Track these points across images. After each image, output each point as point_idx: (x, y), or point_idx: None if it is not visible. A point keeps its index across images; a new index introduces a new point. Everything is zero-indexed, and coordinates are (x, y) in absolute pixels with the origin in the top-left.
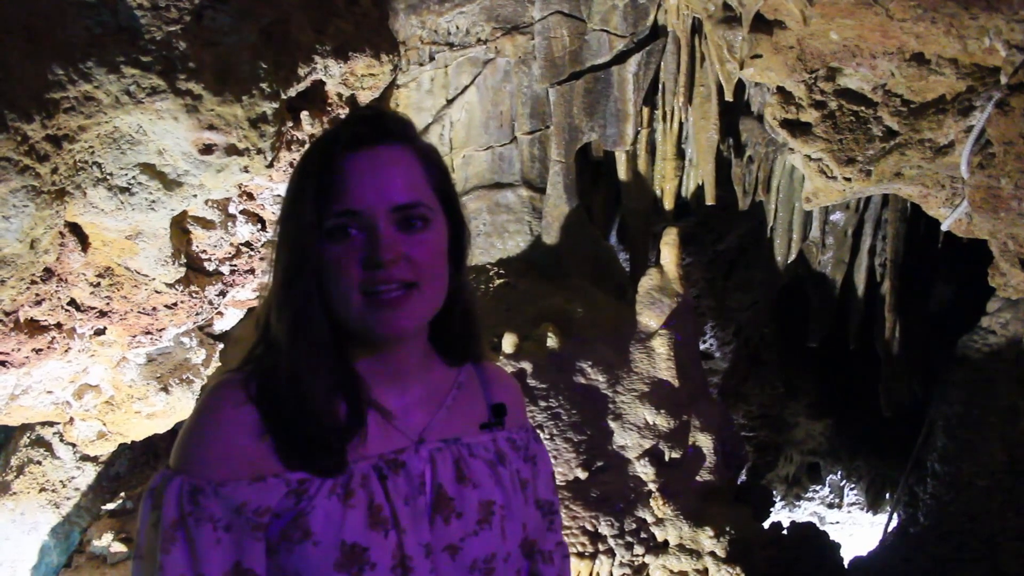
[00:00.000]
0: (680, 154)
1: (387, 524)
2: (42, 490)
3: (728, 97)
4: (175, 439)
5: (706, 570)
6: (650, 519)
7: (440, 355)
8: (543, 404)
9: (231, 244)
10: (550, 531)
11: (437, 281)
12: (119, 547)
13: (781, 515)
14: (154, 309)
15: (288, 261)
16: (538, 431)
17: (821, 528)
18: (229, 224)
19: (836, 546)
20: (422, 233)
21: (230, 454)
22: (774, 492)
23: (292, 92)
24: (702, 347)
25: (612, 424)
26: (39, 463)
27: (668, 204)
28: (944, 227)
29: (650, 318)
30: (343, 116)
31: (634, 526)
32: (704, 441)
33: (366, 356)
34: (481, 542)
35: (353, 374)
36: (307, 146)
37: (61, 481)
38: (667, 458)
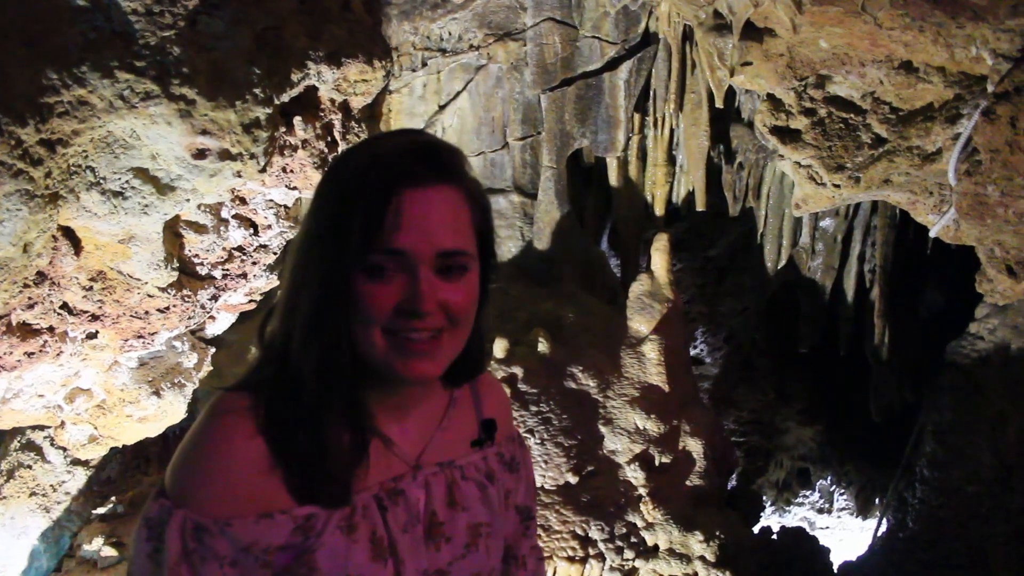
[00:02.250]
0: (671, 160)
1: (386, 554)
2: (32, 494)
3: (719, 104)
4: (167, 448)
5: (696, 574)
6: (640, 523)
7: (440, 378)
8: (534, 409)
9: (224, 249)
10: (525, 536)
11: (467, 326)
12: (109, 551)
13: (771, 520)
14: (146, 313)
15: (320, 292)
16: (528, 436)
17: (811, 533)
18: (222, 229)
19: (825, 551)
20: (460, 279)
21: (237, 491)
22: (764, 497)
23: (285, 97)
24: (693, 352)
25: (603, 429)
26: (29, 467)
27: (659, 210)
28: (932, 234)
29: (641, 323)
30: (335, 124)
31: (624, 530)
32: (694, 446)
33: (375, 387)
34: (468, 564)
35: (361, 406)
36: (345, 164)
37: (51, 485)
38: (657, 463)
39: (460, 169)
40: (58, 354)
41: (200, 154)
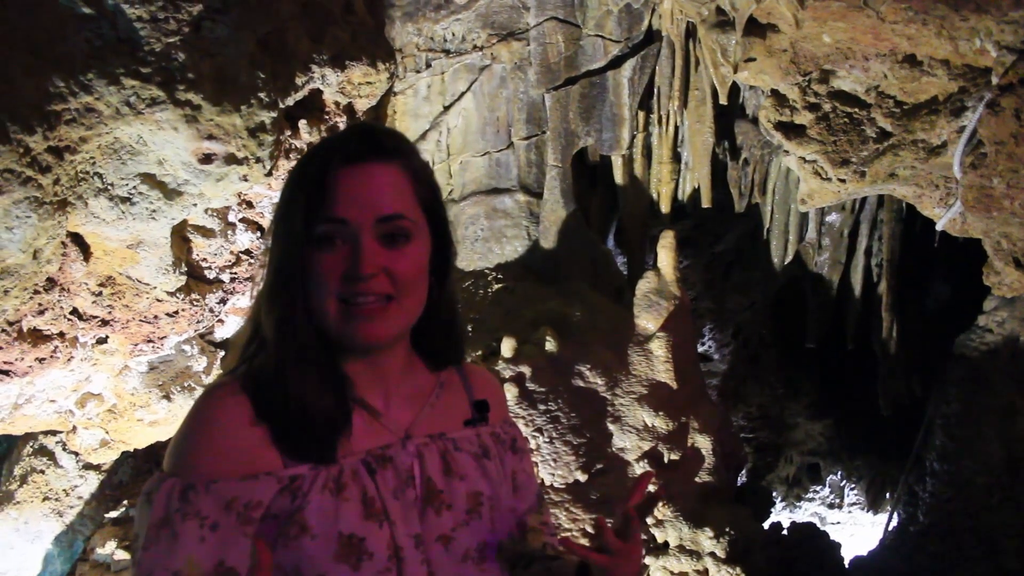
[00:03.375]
0: (676, 157)
1: (380, 516)
2: (45, 499)
3: (723, 100)
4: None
5: (706, 571)
6: (650, 520)
7: (422, 360)
8: (542, 407)
9: (231, 252)
10: (537, 512)
11: (416, 295)
12: (122, 555)
13: (782, 516)
14: (155, 317)
15: (277, 265)
16: (537, 434)
17: (822, 528)
18: (229, 232)
19: (836, 546)
20: (404, 247)
21: (221, 452)
22: (774, 493)
23: (290, 101)
24: (700, 349)
25: (611, 426)
26: (42, 472)
27: (664, 207)
28: (939, 227)
29: (648, 320)
30: (340, 127)
31: None
32: (703, 442)
33: (353, 359)
34: (472, 532)
35: (340, 373)
36: (300, 157)
37: (64, 490)
38: (666, 460)
39: (399, 148)
40: (69, 359)
41: (206, 159)
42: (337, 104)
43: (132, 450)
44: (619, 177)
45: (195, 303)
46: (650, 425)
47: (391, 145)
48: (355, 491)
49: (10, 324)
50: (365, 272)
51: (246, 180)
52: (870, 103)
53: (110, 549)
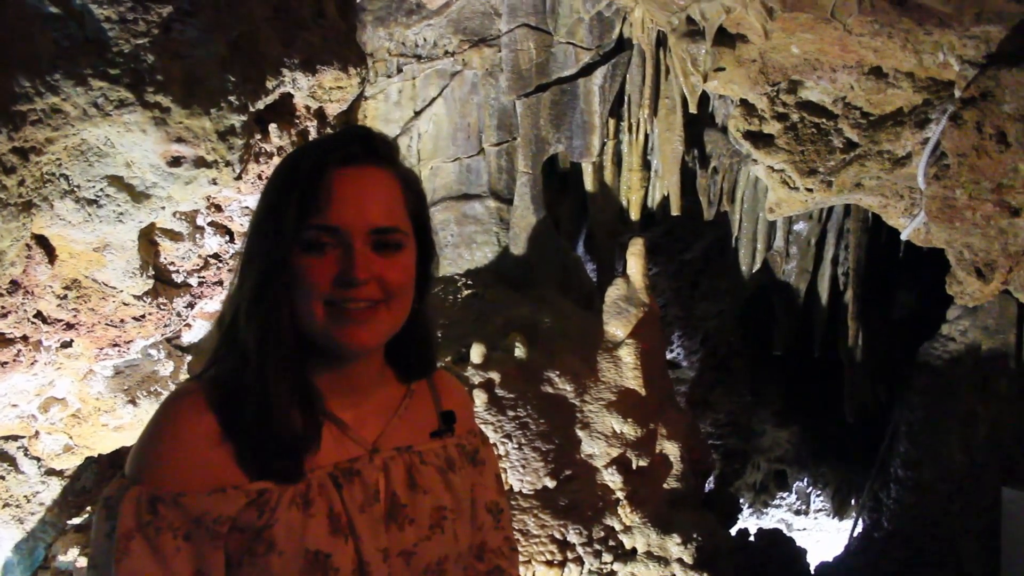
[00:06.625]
0: (646, 165)
1: (346, 531)
2: (6, 505)
3: (692, 109)
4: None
5: None
6: (618, 527)
7: (394, 371)
8: (511, 414)
9: (199, 256)
10: (496, 529)
11: (403, 302)
12: (85, 562)
13: (749, 522)
14: (122, 321)
15: (262, 268)
16: (506, 440)
17: (788, 534)
18: (197, 236)
19: (803, 552)
20: (396, 256)
21: (189, 465)
22: (742, 499)
23: (260, 105)
24: (669, 356)
25: (580, 433)
26: (3, 478)
27: (634, 215)
28: (903, 237)
29: (617, 327)
30: (310, 131)
31: (602, 534)
32: (671, 449)
33: (324, 369)
34: (434, 546)
35: (310, 386)
36: (289, 153)
37: (25, 496)
38: (635, 466)
39: (393, 155)
40: (32, 363)
41: (175, 162)
42: (308, 108)
43: (96, 456)
44: (589, 184)
45: (162, 307)
46: (618, 431)
47: (386, 150)
48: (322, 506)
49: None
50: (360, 277)
51: (215, 183)
52: (837, 114)
53: (72, 556)
